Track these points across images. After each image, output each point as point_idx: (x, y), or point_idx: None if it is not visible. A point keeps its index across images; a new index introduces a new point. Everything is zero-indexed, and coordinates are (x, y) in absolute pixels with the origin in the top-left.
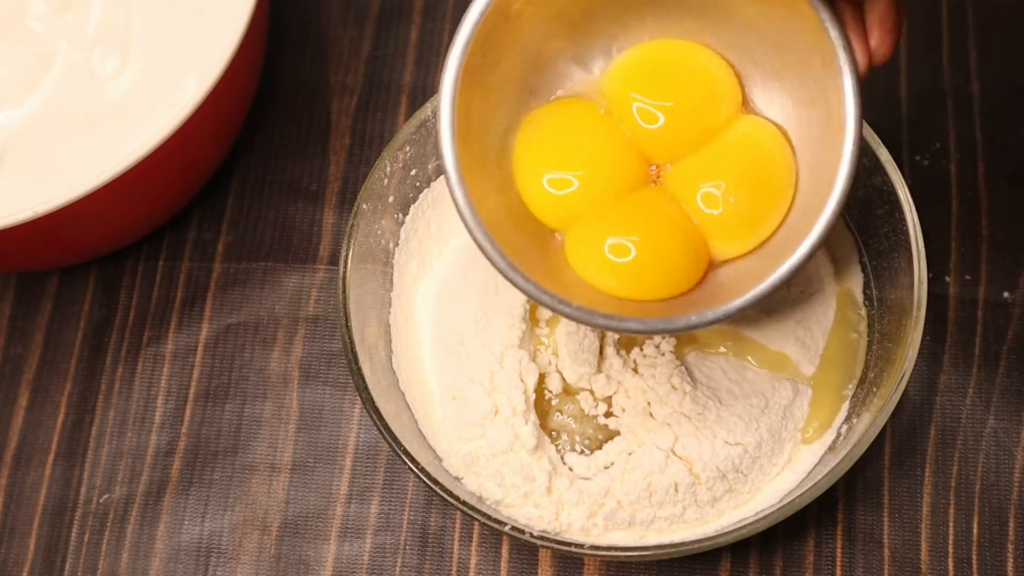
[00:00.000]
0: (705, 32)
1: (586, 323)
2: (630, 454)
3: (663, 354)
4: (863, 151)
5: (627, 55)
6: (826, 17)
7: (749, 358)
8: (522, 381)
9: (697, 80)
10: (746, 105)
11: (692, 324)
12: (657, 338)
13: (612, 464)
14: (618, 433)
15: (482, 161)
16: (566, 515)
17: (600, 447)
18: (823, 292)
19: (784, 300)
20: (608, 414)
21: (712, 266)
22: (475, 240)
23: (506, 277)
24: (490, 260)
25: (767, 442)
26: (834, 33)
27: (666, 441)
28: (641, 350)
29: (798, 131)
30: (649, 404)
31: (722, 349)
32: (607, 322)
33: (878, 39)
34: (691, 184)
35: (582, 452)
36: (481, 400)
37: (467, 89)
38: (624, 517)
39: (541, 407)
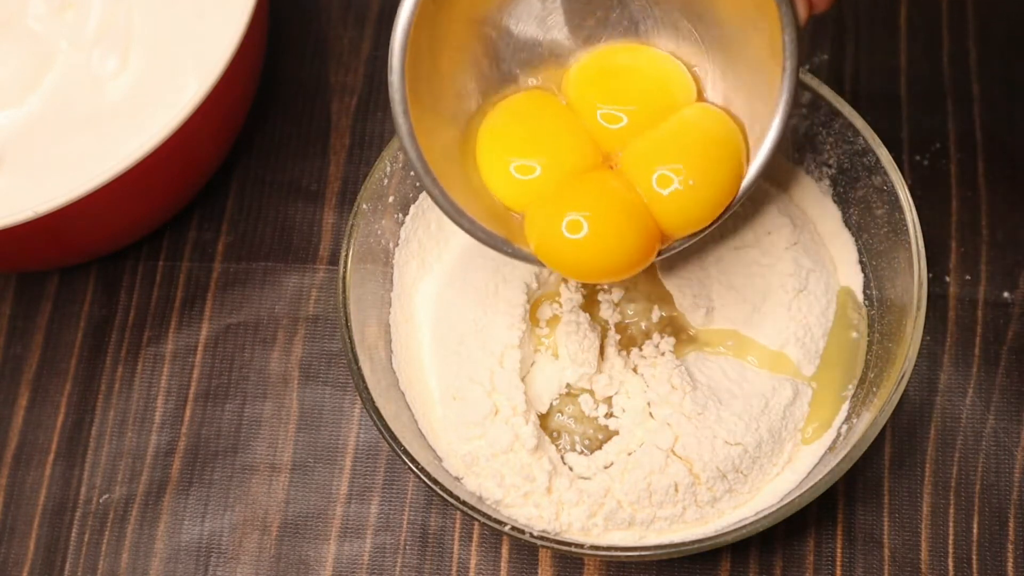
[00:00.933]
0: (660, 27)
1: (533, 262)
2: (630, 454)
3: (663, 354)
4: (864, 150)
5: (587, 58)
6: None
7: (749, 358)
8: (522, 381)
9: (654, 79)
10: (701, 98)
11: None
12: (657, 338)
13: (612, 464)
14: (618, 433)
15: (435, 118)
16: (566, 515)
17: (600, 447)
18: (823, 292)
19: (784, 300)
20: (608, 414)
21: (664, 243)
22: (416, 172)
23: (439, 206)
24: (429, 193)
25: (767, 442)
26: None
27: (666, 441)
28: (641, 350)
29: (749, 110)
30: (649, 404)
31: (722, 349)
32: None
33: None
34: (643, 168)
35: (582, 452)
36: (481, 400)
37: (420, 34)
38: (624, 517)
39: None
